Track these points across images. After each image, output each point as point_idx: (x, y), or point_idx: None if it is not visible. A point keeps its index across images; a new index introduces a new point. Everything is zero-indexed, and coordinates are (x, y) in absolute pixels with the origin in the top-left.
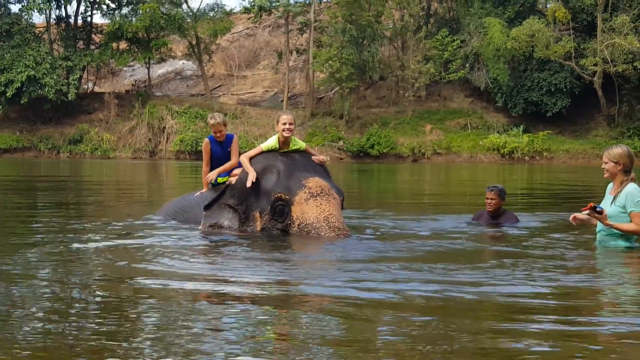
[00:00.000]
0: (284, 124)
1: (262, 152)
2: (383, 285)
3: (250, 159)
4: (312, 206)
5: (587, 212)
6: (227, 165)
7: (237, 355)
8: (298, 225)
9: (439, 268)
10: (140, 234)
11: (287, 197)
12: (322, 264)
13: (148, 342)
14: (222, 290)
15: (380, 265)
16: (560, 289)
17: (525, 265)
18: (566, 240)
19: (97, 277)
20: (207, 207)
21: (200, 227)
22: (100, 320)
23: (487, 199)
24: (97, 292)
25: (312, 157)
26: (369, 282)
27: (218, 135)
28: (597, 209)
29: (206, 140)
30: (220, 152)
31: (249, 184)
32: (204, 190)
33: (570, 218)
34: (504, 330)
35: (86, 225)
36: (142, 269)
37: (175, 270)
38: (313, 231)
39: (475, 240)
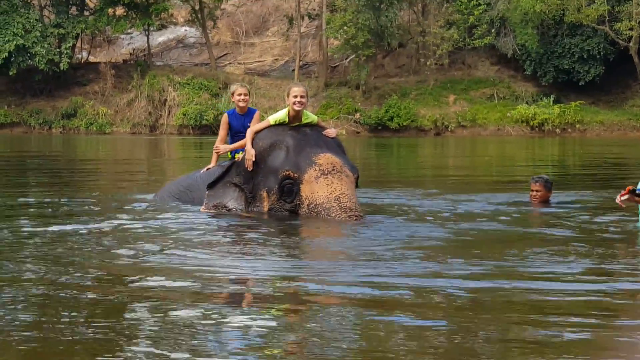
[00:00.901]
0: (295, 96)
1: (270, 126)
2: (398, 280)
3: (257, 133)
4: (323, 185)
5: (625, 196)
6: (242, 142)
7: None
8: (307, 205)
9: (463, 258)
10: (138, 217)
11: (295, 175)
12: (334, 256)
13: (144, 343)
14: (223, 287)
15: (396, 254)
16: (599, 282)
17: (562, 255)
18: (605, 222)
19: (88, 269)
20: (211, 186)
21: (202, 208)
22: (93, 315)
23: (532, 191)
24: (89, 285)
25: (324, 131)
26: (386, 277)
27: (242, 103)
28: (637, 192)
29: (225, 114)
30: (240, 126)
31: (248, 166)
32: (212, 165)
33: (618, 201)
34: (535, 339)
35: (79, 208)
36: (137, 261)
37: (172, 263)
38: (323, 212)
39: (506, 223)
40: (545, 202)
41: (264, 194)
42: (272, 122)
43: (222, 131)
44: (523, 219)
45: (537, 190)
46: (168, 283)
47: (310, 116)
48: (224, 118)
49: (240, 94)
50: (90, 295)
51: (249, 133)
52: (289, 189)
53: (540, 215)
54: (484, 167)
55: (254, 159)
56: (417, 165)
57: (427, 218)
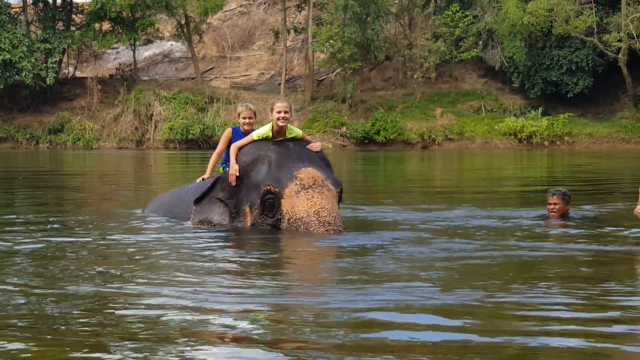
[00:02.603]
0: (279, 112)
1: (254, 141)
2: (375, 303)
3: (240, 149)
4: (303, 199)
5: None
6: None
7: None
8: (288, 220)
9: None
10: (124, 232)
11: (276, 189)
12: (313, 278)
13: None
14: (193, 320)
15: (367, 279)
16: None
17: (557, 277)
18: (610, 235)
19: (73, 290)
20: (198, 201)
21: (189, 223)
22: (71, 339)
23: (550, 204)
24: (70, 304)
25: (309, 145)
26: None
27: (246, 125)
28: None
29: (229, 129)
30: None
31: (232, 181)
32: (207, 176)
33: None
34: None
35: (67, 224)
36: (108, 289)
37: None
38: (302, 226)
39: (476, 239)
40: (564, 215)
41: (247, 209)
42: (255, 138)
43: (222, 145)
44: (546, 234)
45: (555, 204)
46: (153, 304)
47: (294, 131)
48: (228, 133)
49: (245, 117)
50: (75, 311)
51: (233, 148)
52: (270, 203)
53: (560, 229)
54: (479, 181)
55: (237, 174)
56: (404, 178)
57: (476, 234)
